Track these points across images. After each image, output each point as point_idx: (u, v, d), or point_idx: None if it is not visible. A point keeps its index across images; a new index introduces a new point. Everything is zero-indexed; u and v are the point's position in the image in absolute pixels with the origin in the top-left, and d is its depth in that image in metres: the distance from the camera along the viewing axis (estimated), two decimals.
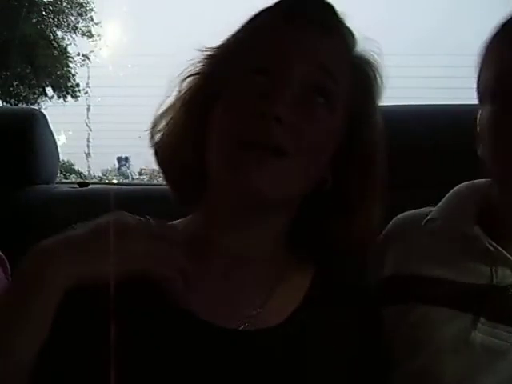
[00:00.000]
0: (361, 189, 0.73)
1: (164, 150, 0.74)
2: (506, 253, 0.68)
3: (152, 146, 0.78)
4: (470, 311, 0.68)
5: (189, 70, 0.77)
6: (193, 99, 0.74)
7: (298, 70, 0.67)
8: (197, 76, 0.76)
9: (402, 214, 0.83)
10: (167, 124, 0.75)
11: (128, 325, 0.67)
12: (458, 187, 0.73)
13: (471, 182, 0.73)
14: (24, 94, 8.59)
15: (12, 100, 8.28)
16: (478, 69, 0.73)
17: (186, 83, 0.76)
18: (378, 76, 0.75)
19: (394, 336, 0.74)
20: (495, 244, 0.69)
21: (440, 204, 0.77)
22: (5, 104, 8.34)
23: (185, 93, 0.75)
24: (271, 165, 0.65)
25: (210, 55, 0.76)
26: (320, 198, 0.73)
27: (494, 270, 0.68)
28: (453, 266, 0.72)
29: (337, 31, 0.71)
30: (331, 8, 0.74)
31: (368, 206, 0.72)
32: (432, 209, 0.78)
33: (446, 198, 0.76)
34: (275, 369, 0.68)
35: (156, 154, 0.77)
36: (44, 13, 9.09)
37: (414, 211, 0.80)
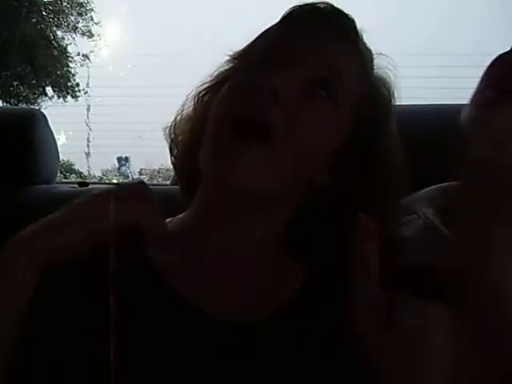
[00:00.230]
0: (363, 194, 0.72)
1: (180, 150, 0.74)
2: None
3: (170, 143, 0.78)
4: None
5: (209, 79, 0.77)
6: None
7: (303, 62, 0.67)
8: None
9: None
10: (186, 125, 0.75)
11: (118, 306, 0.67)
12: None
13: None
14: (24, 94, 8.59)
15: (12, 100, 8.28)
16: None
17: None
18: (391, 92, 0.74)
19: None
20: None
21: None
22: (5, 104, 8.34)
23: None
24: (256, 152, 0.63)
25: (229, 62, 0.76)
26: (321, 202, 0.72)
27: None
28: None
29: (353, 41, 0.71)
30: (352, 21, 0.75)
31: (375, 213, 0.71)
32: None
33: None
34: (259, 362, 0.68)
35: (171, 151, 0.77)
36: (44, 13, 9.08)
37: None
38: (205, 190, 0.71)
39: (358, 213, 0.69)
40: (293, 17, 0.73)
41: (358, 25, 0.77)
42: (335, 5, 0.76)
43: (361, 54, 0.72)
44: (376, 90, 0.74)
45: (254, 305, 0.71)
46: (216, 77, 0.77)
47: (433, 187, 0.75)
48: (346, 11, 0.77)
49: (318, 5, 0.74)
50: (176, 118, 0.77)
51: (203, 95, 0.77)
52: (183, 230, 0.74)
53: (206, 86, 0.76)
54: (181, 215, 0.77)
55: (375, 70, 0.75)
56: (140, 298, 0.69)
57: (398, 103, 1.16)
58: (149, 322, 0.68)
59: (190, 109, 0.77)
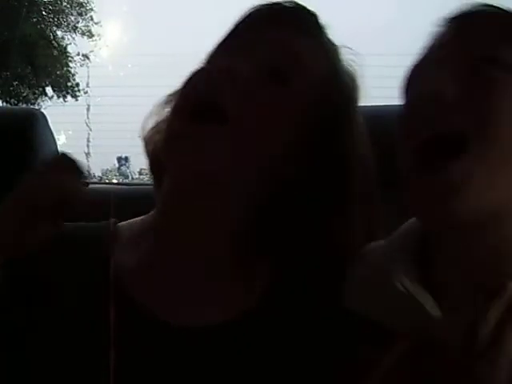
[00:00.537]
0: (332, 190, 0.70)
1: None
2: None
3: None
4: None
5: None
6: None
7: (260, 50, 0.67)
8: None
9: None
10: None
11: (68, 307, 0.66)
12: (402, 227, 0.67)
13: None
14: (24, 94, 8.60)
15: (12, 100, 8.29)
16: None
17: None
18: (356, 86, 0.74)
19: None
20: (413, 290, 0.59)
21: (383, 243, 0.69)
22: (5, 104, 8.34)
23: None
24: (214, 136, 0.63)
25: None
26: (285, 197, 0.70)
27: None
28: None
29: (314, 34, 0.71)
30: (314, 16, 0.75)
31: (344, 210, 0.69)
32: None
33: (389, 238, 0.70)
34: (213, 369, 0.67)
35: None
36: (44, 13, 9.09)
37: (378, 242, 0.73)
38: (166, 185, 0.70)
39: (323, 210, 0.68)
40: (253, 12, 0.74)
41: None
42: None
43: (322, 47, 0.72)
44: (340, 83, 0.73)
45: (214, 308, 0.69)
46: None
47: (405, 229, 0.67)
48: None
49: (281, 2, 0.75)
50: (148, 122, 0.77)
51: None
52: (143, 230, 0.73)
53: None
54: (145, 216, 0.75)
55: (340, 63, 0.74)
56: (92, 299, 0.68)
57: (397, 104, 1.15)
58: (100, 324, 0.67)
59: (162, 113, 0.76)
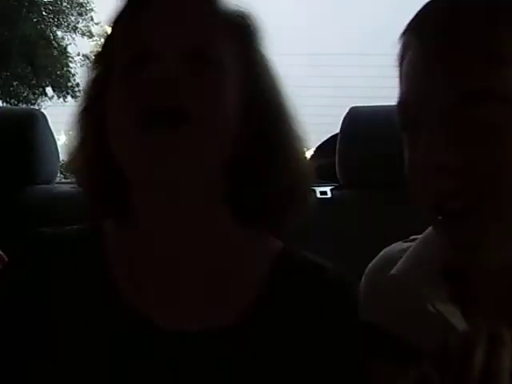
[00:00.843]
0: (269, 138, 0.72)
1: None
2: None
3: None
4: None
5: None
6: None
7: (172, 45, 0.67)
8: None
9: (385, 250, 0.75)
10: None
11: (62, 312, 0.66)
12: (426, 233, 0.66)
13: None
14: (24, 94, 8.61)
15: (12, 100, 8.29)
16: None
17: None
18: (255, 24, 0.74)
19: None
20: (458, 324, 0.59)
21: (406, 255, 0.69)
22: (5, 104, 8.35)
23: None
24: (179, 137, 0.63)
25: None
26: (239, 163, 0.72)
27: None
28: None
29: (219, 13, 0.71)
30: None
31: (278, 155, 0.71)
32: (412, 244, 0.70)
33: (412, 248, 0.68)
34: (226, 372, 0.66)
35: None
36: (44, 13, 9.09)
37: (386, 252, 0.72)
38: (135, 189, 0.69)
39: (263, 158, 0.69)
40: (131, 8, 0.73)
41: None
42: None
43: (213, 5, 0.72)
44: (261, 60, 0.74)
45: (215, 310, 0.68)
46: (87, 93, 0.75)
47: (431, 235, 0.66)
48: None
49: None
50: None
51: (85, 114, 0.75)
52: (133, 237, 0.72)
53: (82, 107, 0.75)
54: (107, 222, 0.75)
55: (230, 11, 0.74)
56: (87, 306, 0.68)
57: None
58: (94, 331, 0.67)
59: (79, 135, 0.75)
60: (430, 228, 0.64)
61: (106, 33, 0.74)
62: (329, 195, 1.22)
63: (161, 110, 0.62)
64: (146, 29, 0.67)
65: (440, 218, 0.58)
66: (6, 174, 1.33)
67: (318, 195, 1.21)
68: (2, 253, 0.80)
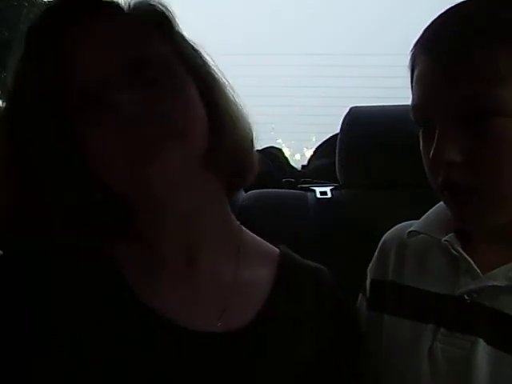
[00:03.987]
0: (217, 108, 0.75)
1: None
2: (469, 258, 0.67)
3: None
4: (431, 322, 0.68)
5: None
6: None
7: (111, 71, 0.66)
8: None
9: (393, 228, 0.83)
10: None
11: (89, 318, 0.66)
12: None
13: None
14: None
15: None
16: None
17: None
18: (163, 6, 0.74)
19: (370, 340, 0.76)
20: (461, 250, 0.69)
21: (423, 216, 0.77)
22: (5, 104, 8.33)
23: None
24: (178, 150, 0.65)
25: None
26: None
27: (456, 278, 0.68)
28: (423, 275, 0.72)
29: (108, 11, 0.70)
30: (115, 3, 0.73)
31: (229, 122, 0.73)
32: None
33: (429, 211, 0.77)
34: (249, 370, 0.67)
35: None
36: None
37: (403, 224, 0.80)
38: (143, 208, 0.70)
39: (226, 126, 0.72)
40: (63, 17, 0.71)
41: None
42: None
43: (123, 13, 0.72)
44: (188, 46, 0.75)
45: (231, 311, 0.69)
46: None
47: (439, 208, 0.75)
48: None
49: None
50: None
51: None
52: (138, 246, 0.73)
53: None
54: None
55: (138, 7, 0.74)
56: (106, 310, 0.68)
57: (397, 104, 1.15)
58: (117, 334, 0.67)
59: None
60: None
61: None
62: (329, 195, 1.22)
63: (153, 134, 0.63)
64: (82, 60, 0.65)
65: (446, 193, 0.67)
66: None
67: (318, 195, 1.21)
68: (1, 252, 0.81)
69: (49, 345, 0.64)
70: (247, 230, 0.76)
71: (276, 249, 0.76)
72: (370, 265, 0.80)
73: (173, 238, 0.69)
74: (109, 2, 0.70)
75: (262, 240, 0.76)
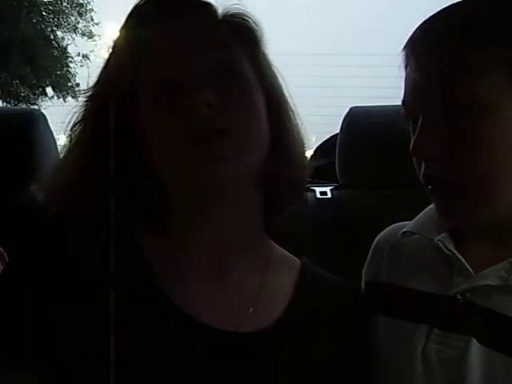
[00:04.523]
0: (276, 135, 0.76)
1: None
2: (461, 258, 0.68)
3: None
4: (424, 322, 0.69)
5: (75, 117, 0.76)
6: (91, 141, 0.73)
7: (200, 67, 0.68)
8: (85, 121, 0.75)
9: (386, 229, 0.84)
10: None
11: (119, 319, 0.66)
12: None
13: None
14: (24, 94, 8.61)
15: (12, 100, 8.30)
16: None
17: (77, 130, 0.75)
18: (256, 24, 0.76)
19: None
20: (454, 250, 0.69)
21: (417, 217, 0.78)
22: (5, 104, 8.35)
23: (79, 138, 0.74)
24: (222, 148, 0.66)
25: (89, 96, 0.75)
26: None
27: (449, 278, 0.69)
28: (417, 275, 0.73)
29: (200, 10, 0.72)
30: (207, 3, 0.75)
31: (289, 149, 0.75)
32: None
33: (423, 211, 0.78)
34: (267, 371, 0.68)
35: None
36: (44, 13, 9.09)
37: (395, 225, 0.80)
38: (181, 203, 0.71)
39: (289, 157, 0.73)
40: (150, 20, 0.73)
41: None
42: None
43: (215, 16, 0.73)
44: (268, 61, 0.76)
45: (257, 311, 0.71)
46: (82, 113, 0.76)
47: (432, 208, 0.76)
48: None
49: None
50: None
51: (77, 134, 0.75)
52: (167, 246, 0.74)
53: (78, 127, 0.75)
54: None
55: (229, 14, 0.75)
56: (141, 312, 0.69)
57: (396, 104, 1.16)
58: (151, 335, 0.67)
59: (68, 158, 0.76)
60: None
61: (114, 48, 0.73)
62: (329, 195, 1.22)
63: (208, 134, 0.65)
64: (170, 55, 0.67)
65: (430, 187, 0.68)
66: (5, 174, 1.33)
67: (318, 195, 1.21)
68: (3, 250, 0.81)
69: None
70: (273, 243, 0.78)
71: (297, 260, 0.77)
72: (365, 267, 0.80)
73: (207, 241, 0.70)
74: (206, 2, 0.71)
75: (285, 252, 0.78)
